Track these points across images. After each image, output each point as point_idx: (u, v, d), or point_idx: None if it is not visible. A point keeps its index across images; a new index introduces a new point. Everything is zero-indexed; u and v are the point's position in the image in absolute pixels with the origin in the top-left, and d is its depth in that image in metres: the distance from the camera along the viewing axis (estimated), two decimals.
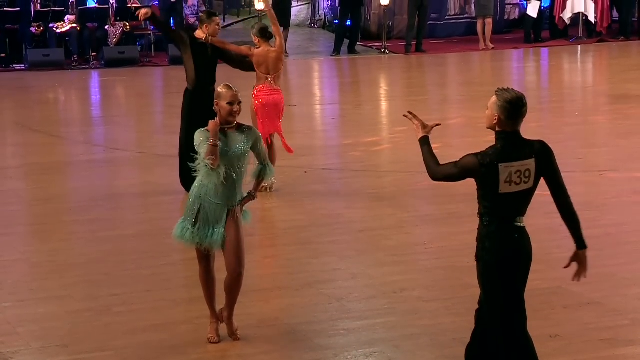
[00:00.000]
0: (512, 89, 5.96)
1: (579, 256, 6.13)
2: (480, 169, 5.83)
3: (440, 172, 5.97)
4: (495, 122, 5.88)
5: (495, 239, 5.94)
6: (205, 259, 7.29)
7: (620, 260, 8.98)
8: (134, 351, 7.21)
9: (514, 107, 5.86)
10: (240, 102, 7.10)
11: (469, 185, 5.96)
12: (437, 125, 6.14)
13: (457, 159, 5.86)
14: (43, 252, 9.72)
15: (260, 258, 9.37)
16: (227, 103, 7.02)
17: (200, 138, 6.97)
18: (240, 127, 7.17)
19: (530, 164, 5.85)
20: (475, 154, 5.88)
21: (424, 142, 6.05)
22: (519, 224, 5.95)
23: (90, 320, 7.81)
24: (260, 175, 7.28)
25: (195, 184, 7.10)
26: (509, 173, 5.81)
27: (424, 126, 6.11)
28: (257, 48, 11.24)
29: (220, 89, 7.10)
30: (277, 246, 9.72)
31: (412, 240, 9.57)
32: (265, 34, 11.24)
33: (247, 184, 7.21)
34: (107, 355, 7.15)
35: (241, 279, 7.12)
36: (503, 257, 5.96)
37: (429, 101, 18.17)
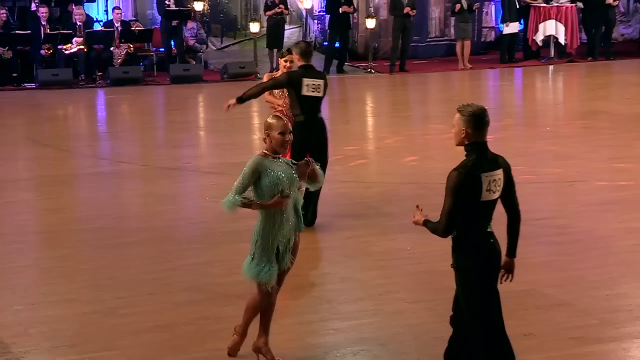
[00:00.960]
0: (473, 103, 6.02)
1: (509, 263, 6.14)
2: (467, 179, 5.84)
3: (443, 222, 5.92)
4: (463, 136, 5.92)
5: (474, 245, 5.96)
6: (276, 289, 6.79)
7: (589, 264, 9.00)
8: (138, 350, 7.20)
9: (478, 119, 5.91)
10: (291, 132, 6.63)
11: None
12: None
13: (444, 203, 5.88)
14: (52, 258, 9.71)
15: None
16: (279, 133, 6.57)
17: (257, 170, 6.63)
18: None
19: (500, 174, 5.91)
20: (456, 170, 5.89)
21: (426, 223, 6.08)
22: (490, 229, 5.99)
23: (96, 322, 7.79)
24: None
25: (262, 224, 6.70)
26: (489, 182, 5.85)
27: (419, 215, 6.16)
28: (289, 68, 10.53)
29: (270, 119, 6.67)
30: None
31: (396, 246, 9.58)
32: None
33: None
34: (113, 354, 7.14)
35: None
36: (483, 262, 5.98)
37: (412, 117, 18.20)
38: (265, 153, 6.67)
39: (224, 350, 7.12)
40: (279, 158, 6.65)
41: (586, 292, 8.24)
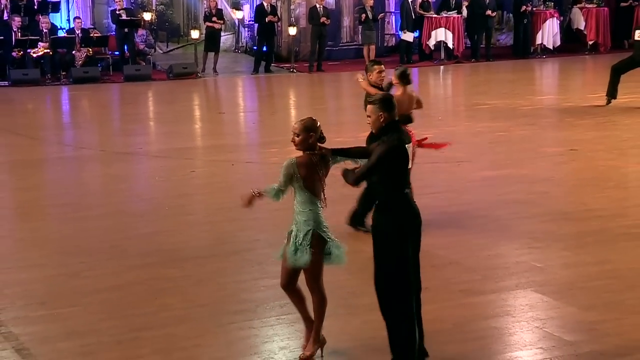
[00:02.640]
0: (378, 93, 6.08)
1: None
2: (397, 150, 5.75)
3: (358, 174, 5.74)
4: (382, 120, 5.79)
5: (402, 208, 5.78)
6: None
7: (473, 230, 9.10)
8: (99, 306, 7.12)
9: (388, 102, 5.87)
10: (297, 135, 5.95)
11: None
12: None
13: (368, 161, 5.72)
14: (25, 229, 9.56)
15: (198, 232, 9.31)
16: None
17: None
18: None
19: (410, 145, 5.95)
20: (386, 142, 5.69)
21: (345, 171, 5.85)
22: (409, 191, 5.90)
23: (63, 283, 7.70)
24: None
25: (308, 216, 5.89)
26: (410, 152, 5.91)
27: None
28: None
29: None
30: (212, 222, 9.66)
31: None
32: (404, 78, 9.09)
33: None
34: (77, 309, 7.05)
35: None
36: (410, 222, 5.81)
37: (328, 109, 18.21)
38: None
39: (171, 305, 7.08)
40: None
41: (471, 253, 8.34)
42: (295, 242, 5.87)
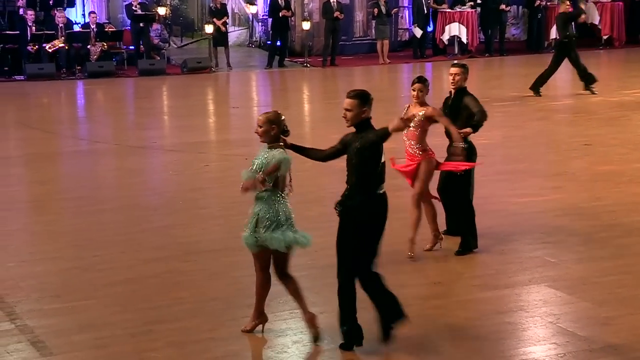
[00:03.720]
0: (356, 88, 6.11)
1: None
2: (380, 145, 5.88)
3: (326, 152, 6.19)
4: (364, 115, 5.96)
5: (378, 202, 5.95)
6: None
7: (487, 224, 8.99)
8: (113, 299, 7.13)
9: (368, 97, 5.99)
10: (260, 126, 6.23)
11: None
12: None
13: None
14: (40, 223, 9.59)
15: (211, 226, 9.31)
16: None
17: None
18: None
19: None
20: (378, 132, 5.86)
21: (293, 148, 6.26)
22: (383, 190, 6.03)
23: (77, 276, 7.72)
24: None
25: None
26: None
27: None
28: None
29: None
30: (225, 216, 9.66)
31: (327, 211, 9.47)
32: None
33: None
34: (91, 302, 7.07)
35: None
36: (383, 217, 5.98)
37: (340, 103, 18.09)
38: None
39: (185, 299, 7.08)
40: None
41: (485, 248, 8.29)
42: (263, 224, 6.19)
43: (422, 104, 8.08)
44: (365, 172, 5.94)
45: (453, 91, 8.36)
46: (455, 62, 8.74)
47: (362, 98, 5.97)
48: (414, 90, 8.09)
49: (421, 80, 8.14)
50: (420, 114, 8.00)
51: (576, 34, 17.75)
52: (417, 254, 8.01)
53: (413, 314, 6.51)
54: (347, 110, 6.00)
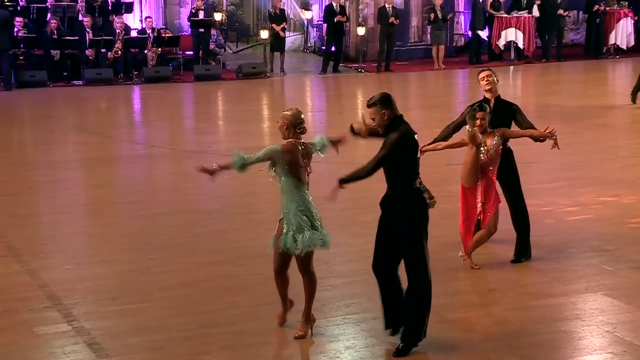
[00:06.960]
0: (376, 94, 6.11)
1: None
2: (407, 140, 5.95)
3: (370, 166, 6.13)
4: (386, 117, 6.04)
5: (418, 197, 6.03)
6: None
7: (542, 232, 8.94)
8: (168, 302, 7.20)
9: (387, 99, 6.11)
10: (278, 122, 6.48)
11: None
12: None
13: (378, 153, 6.08)
14: (97, 226, 9.71)
15: (265, 230, 9.34)
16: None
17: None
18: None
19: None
20: (397, 132, 5.95)
21: (345, 179, 6.35)
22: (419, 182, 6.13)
23: (133, 279, 7.80)
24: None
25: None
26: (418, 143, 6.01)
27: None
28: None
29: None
30: (275, 222, 9.68)
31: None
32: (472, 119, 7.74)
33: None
34: (147, 305, 7.14)
35: None
36: (424, 211, 6.07)
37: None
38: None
39: (239, 303, 7.13)
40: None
41: (540, 255, 8.23)
42: (291, 228, 6.37)
43: (485, 131, 7.81)
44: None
45: (490, 97, 8.11)
46: (482, 68, 8.46)
47: (378, 103, 6.03)
48: (477, 119, 7.66)
49: (483, 108, 7.76)
50: (494, 143, 7.82)
51: None
52: (475, 262, 7.95)
53: (468, 322, 6.48)
54: (372, 119, 6.07)
